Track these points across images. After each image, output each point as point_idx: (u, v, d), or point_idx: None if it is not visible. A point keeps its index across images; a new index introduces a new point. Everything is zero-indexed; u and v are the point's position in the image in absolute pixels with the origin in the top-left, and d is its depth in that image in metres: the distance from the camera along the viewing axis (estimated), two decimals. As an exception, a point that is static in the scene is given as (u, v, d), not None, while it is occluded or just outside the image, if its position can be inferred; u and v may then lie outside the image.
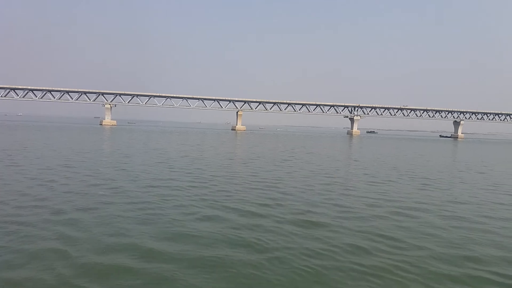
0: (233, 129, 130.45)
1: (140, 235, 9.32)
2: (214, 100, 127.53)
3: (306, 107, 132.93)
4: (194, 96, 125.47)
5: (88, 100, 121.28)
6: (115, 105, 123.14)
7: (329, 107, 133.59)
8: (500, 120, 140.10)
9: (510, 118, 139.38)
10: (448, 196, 16.41)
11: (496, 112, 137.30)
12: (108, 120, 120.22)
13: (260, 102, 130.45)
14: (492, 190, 18.62)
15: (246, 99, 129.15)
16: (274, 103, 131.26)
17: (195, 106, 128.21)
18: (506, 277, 7.57)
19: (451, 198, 15.94)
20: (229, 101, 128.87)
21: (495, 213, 13.27)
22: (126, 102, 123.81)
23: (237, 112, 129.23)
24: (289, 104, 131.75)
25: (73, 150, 30.34)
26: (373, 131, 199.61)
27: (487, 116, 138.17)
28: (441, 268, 7.90)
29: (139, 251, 8.24)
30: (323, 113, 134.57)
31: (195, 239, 9.14)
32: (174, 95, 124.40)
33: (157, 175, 18.89)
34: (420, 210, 13.18)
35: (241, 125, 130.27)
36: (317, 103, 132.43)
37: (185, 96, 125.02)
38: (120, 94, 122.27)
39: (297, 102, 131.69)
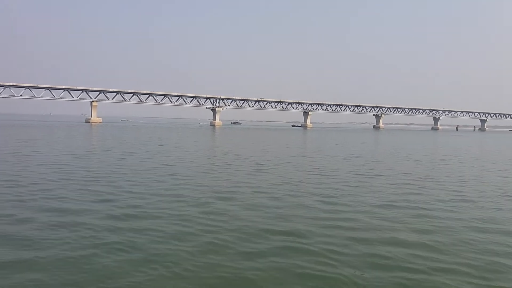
0: (88, 121, 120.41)
1: None
2: (63, 89, 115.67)
3: (168, 98, 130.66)
4: (39, 86, 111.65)
5: None
6: None
7: (192, 98, 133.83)
8: (341, 110, 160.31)
9: (349, 108, 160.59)
10: (268, 179, 17.92)
11: (338, 103, 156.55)
12: None
13: (117, 92, 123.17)
14: (316, 172, 21.03)
15: (102, 89, 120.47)
16: (134, 94, 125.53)
17: (41, 97, 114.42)
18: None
19: (272, 181, 17.44)
20: (82, 90, 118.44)
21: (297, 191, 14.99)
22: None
23: (91, 103, 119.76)
24: (150, 94, 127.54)
25: None
26: (237, 122, 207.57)
27: (331, 107, 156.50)
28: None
29: None
30: (186, 105, 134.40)
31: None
32: (13, 84, 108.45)
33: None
34: (228, 200, 14.03)
35: (97, 117, 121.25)
36: (180, 94, 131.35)
37: (27, 85, 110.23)
38: None
39: (159, 92, 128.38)
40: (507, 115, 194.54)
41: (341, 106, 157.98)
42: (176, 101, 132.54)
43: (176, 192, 14.25)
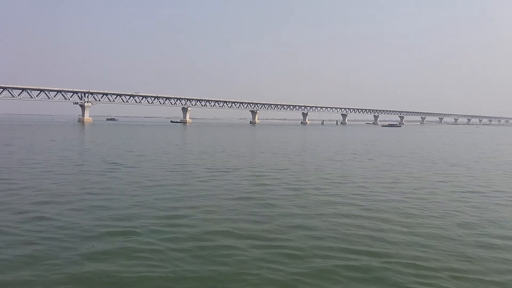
0: None
1: None
2: None
3: (28, 92, 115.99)
4: None
5: None
6: None
7: (56, 92, 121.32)
8: (220, 106, 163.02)
9: (227, 104, 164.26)
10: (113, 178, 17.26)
11: (216, 99, 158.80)
12: None
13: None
14: (173, 169, 20.88)
15: None
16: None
17: None
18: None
19: (122, 181, 16.81)
20: None
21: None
22: None
23: None
24: (4, 88, 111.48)
25: None
26: (113, 118, 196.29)
27: (209, 103, 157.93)
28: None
29: None
30: (49, 99, 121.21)
31: None
32: None
33: None
34: (60, 204, 13.18)
35: None
36: (41, 88, 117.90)
37: None
38: None
39: (15, 86, 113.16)
40: (364, 110, 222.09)
41: (219, 102, 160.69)
42: (37, 96, 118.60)
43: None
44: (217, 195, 14.03)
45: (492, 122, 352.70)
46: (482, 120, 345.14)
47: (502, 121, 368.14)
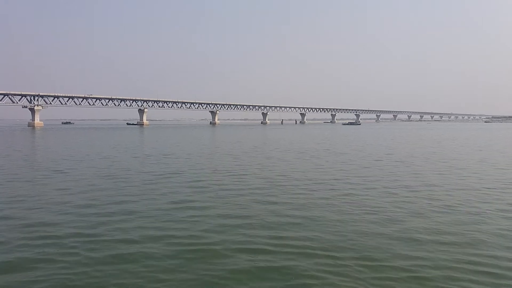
0: None
1: None
2: None
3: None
4: None
5: None
6: None
7: (3, 96, 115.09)
8: (178, 107, 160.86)
9: (185, 105, 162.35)
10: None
11: (174, 100, 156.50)
12: None
13: None
14: (109, 176, 20.49)
15: None
16: None
17: None
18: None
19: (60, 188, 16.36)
20: None
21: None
22: None
23: None
24: None
25: None
26: (69, 122, 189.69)
27: (167, 104, 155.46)
28: None
29: None
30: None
31: None
32: None
33: None
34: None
35: None
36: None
37: None
38: None
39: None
40: (322, 109, 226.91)
41: (177, 103, 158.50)
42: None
43: None
44: (149, 202, 13.97)
45: (442, 118, 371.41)
46: (433, 116, 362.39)
47: (452, 117, 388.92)
